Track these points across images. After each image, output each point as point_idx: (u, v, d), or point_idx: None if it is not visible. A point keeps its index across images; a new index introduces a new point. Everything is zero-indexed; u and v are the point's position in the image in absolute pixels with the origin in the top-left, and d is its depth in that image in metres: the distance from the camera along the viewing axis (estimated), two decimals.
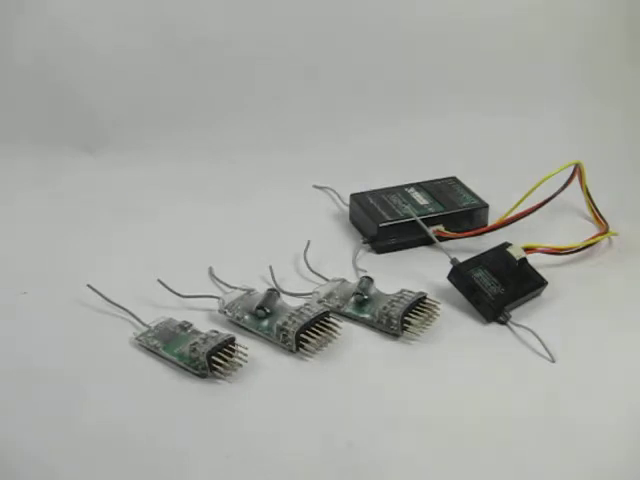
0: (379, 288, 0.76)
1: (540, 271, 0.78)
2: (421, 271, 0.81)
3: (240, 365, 0.68)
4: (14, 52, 1.04)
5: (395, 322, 0.72)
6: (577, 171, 0.85)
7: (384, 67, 1.09)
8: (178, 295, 0.76)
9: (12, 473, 0.61)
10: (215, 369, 0.67)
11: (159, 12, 1.06)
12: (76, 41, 1.05)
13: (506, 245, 0.78)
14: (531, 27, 1.10)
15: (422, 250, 0.85)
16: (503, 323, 0.74)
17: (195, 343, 0.68)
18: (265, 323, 0.73)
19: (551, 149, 1.01)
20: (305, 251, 0.82)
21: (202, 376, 0.68)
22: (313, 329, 0.71)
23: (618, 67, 1.10)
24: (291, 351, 0.71)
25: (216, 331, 0.70)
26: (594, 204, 0.87)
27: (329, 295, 0.77)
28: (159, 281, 0.76)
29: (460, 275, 0.76)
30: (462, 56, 1.09)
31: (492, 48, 1.09)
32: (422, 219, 0.83)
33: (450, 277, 0.77)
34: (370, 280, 0.77)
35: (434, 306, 0.74)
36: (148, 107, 1.05)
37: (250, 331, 0.73)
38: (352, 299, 0.76)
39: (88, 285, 0.76)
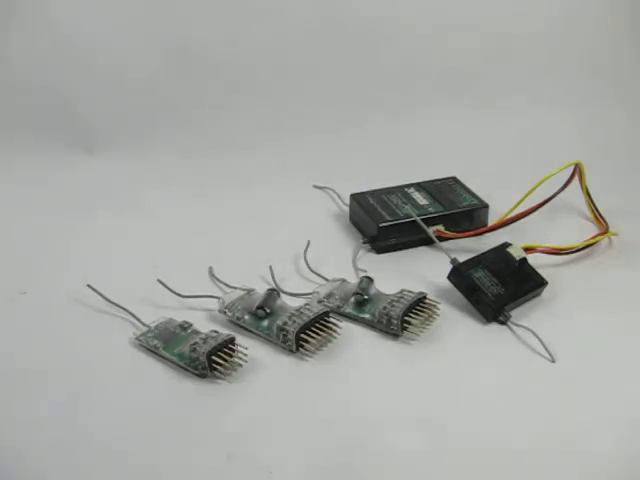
0: (379, 288, 0.76)
1: (540, 271, 0.78)
2: (421, 271, 0.81)
3: (240, 365, 0.68)
4: (13, 53, 1.04)
5: (395, 322, 0.72)
6: (577, 171, 0.85)
7: (384, 67, 1.09)
8: (178, 295, 0.76)
9: (11, 473, 0.61)
10: (215, 369, 0.67)
11: (157, 13, 1.06)
12: (75, 42, 1.05)
13: (506, 245, 0.78)
14: (531, 27, 1.10)
15: (422, 250, 0.85)
16: (503, 323, 0.74)
17: (195, 343, 0.68)
18: (265, 323, 0.73)
19: (551, 149, 1.01)
20: (305, 251, 0.82)
21: (202, 376, 0.68)
22: (313, 329, 0.71)
23: (618, 67, 1.10)
24: (291, 351, 0.71)
25: (216, 331, 0.70)
26: (594, 204, 0.87)
27: (329, 295, 0.77)
28: (159, 281, 0.76)
29: (460, 275, 0.76)
30: (462, 56, 1.09)
31: (492, 48, 1.09)
32: (422, 219, 0.83)
33: (450, 277, 0.77)
34: (370, 280, 0.77)
35: (434, 306, 0.74)
36: (148, 107, 1.05)
37: (250, 331, 0.73)
38: (352, 299, 0.76)
39: (88, 285, 0.76)
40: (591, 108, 1.07)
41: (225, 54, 1.07)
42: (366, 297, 0.75)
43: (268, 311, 0.73)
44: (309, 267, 0.81)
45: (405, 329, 0.72)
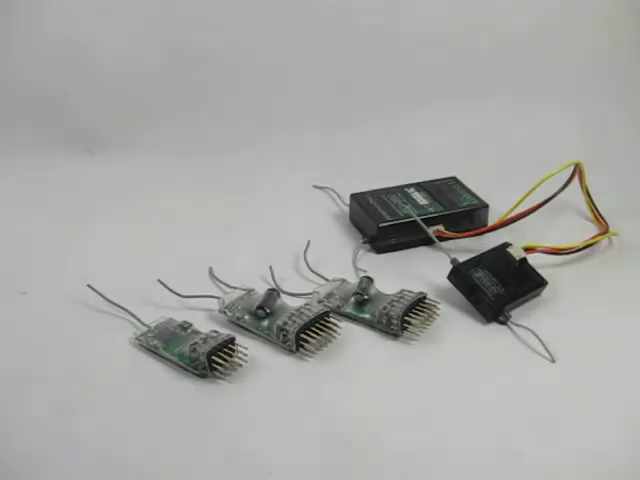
0: (379, 288, 0.76)
1: (540, 271, 0.78)
2: (421, 271, 0.81)
3: (240, 365, 0.68)
4: (13, 52, 1.04)
5: (395, 322, 0.72)
6: (577, 171, 0.85)
7: (383, 67, 1.09)
8: (178, 295, 0.76)
9: (10, 473, 0.61)
10: (215, 369, 0.67)
11: (157, 12, 1.06)
12: (76, 41, 1.05)
13: (506, 245, 0.78)
14: (532, 27, 1.10)
15: (422, 250, 0.85)
16: (503, 323, 0.74)
17: (195, 343, 0.68)
18: (265, 323, 0.73)
19: (551, 149, 1.01)
20: (305, 251, 0.82)
21: (202, 376, 0.68)
22: (313, 329, 0.71)
23: (618, 67, 1.10)
24: (291, 351, 0.71)
25: (216, 331, 0.70)
26: (594, 204, 0.87)
27: (329, 295, 0.77)
28: (159, 281, 0.76)
29: (460, 275, 0.76)
30: (462, 56, 1.09)
31: (492, 48, 1.09)
32: (422, 219, 0.83)
33: (450, 277, 0.77)
34: (370, 280, 0.77)
35: (434, 306, 0.74)
36: (148, 107, 1.05)
37: (250, 331, 0.73)
38: (352, 299, 0.76)
39: (88, 285, 0.76)
40: (591, 108, 1.06)
41: (225, 54, 1.07)
42: (366, 297, 0.75)
43: (268, 311, 0.73)
44: (309, 267, 0.81)
45: (405, 329, 0.72)
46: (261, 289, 0.76)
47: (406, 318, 0.72)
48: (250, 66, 1.08)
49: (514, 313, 0.75)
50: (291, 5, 1.08)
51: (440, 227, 0.84)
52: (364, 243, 0.85)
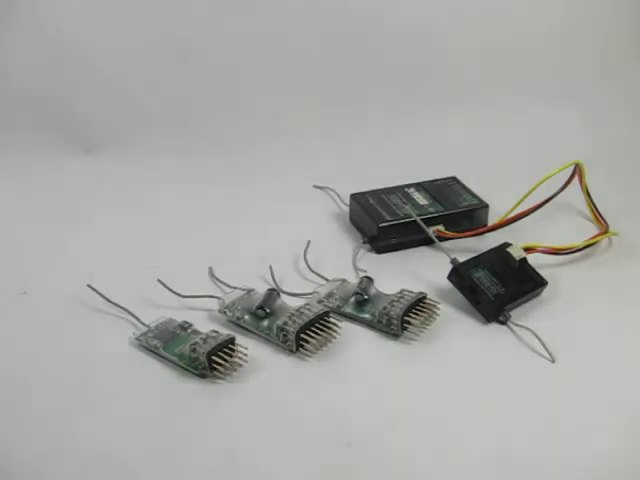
0: (379, 288, 0.76)
1: (540, 271, 0.78)
2: (421, 271, 0.81)
3: (240, 365, 0.68)
4: (12, 52, 1.04)
5: (395, 322, 0.72)
6: (577, 171, 0.85)
7: (384, 67, 1.09)
8: (178, 295, 0.76)
9: (10, 473, 0.61)
10: (215, 369, 0.67)
11: (157, 12, 1.06)
12: (75, 41, 1.05)
13: (506, 245, 0.78)
14: (532, 27, 1.10)
15: (422, 250, 0.85)
16: (503, 323, 0.74)
17: (195, 343, 0.68)
18: (265, 323, 0.73)
19: (551, 149, 1.01)
20: (305, 251, 0.82)
21: (202, 376, 0.68)
22: (313, 329, 0.71)
23: (620, 67, 1.10)
24: (291, 351, 0.71)
25: (216, 331, 0.70)
26: (594, 204, 0.87)
27: (329, 295, 0.77)
28: (159, 281, 0.76)
29: (460, 275, 0.76)
30: (463, 56, 1.09)
31: (493, 48, 1.09)
32: (422, 219, 0.83)
33: (450, 277, 0.77)
34: (370, 280, 0.77)
35: (434, 306, 0.74)
36: (148, 107, 1.05)
37: (250, 331, 0.73)
38: (352, 299, 0.76)
39: (88, 285, 0.76)
40: (591, 108, 1.06)
41: (225, 54, 1.07)
42: (366, 297, 0.75)
43: (268, 311, 0.73)
44: (309, 267, 0.81)
45: (405, 329, 0.72)
46: (261, 289, 0.76)
47: (406, 318, 0.72)
48: (250, 66, 1.07)
49: (514, 313, 0.75)
50: (291, 5, 1.08)
51: (440, 227, 0.84)
52: (364, 243, 0.85)
